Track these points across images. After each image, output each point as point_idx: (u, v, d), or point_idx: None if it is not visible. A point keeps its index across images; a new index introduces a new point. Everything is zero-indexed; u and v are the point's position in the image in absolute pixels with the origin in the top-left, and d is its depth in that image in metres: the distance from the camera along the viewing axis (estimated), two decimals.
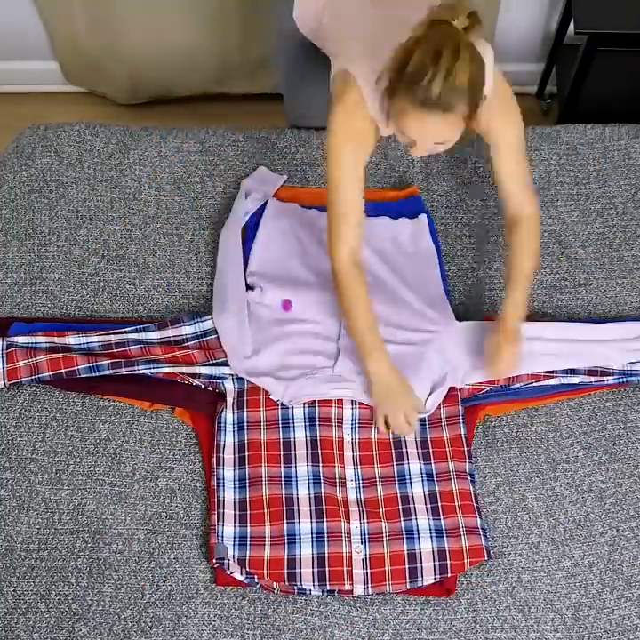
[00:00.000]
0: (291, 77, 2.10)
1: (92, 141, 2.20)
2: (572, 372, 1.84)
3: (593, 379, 1.83)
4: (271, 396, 1.80)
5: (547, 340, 1.86)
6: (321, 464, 1.74)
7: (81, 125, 2.22)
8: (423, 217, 2.08)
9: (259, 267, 2.00)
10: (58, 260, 2.04)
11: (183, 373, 1.83)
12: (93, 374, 1.82)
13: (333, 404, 1.79)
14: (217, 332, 1.87)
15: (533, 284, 2.01)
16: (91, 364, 1.82)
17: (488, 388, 1.83)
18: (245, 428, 1.78)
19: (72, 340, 1.86)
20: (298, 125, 2.28)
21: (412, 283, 1.98)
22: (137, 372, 1.82)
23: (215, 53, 2.80)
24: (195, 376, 1.83)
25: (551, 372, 1.84)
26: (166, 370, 1.82)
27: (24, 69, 3.03)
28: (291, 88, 2.15)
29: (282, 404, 1.80)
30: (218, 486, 1.72)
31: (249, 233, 2.05)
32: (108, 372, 1.82)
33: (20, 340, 1.85)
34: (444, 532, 1.68)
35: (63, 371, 1.81)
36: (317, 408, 1.79)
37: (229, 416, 1.80)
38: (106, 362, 1.82)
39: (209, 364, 1.84)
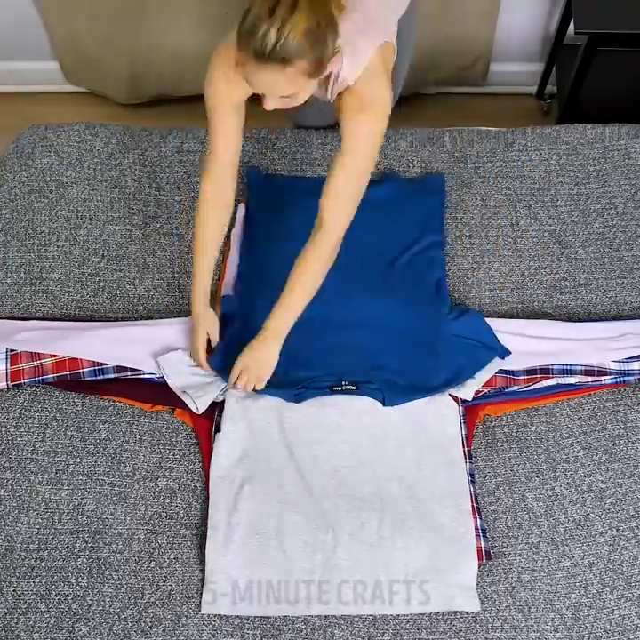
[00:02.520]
0: None
1: (92, 141, 2.20)
2: (569, 372, 1.84)
3: (590, 379, 1.83)
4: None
5: (529, 338, 1.86)
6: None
7: (81, 125, 2.22)
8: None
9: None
10: (58, 260, 2.04)
11: None
12: (98, 377, 1.82)
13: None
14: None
15: (533, 283, 2.02)
16: (96, 368, 1.82)
17: (485, 391, 1.83)
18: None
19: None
20: (302, 125, 2.28)
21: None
22: (141, 375, 1.82)
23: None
24: None
25: (548, 372, 1.84)
26: None
27: (24, 69, 3.03)
28: None
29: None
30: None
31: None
32: (112, 376, 1.82)
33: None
34: None
35: (68, 373, 1.81)
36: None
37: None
38: (111, 365, 1.82)
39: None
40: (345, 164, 1.62)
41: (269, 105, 1.52)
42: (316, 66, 1.44)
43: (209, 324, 1.82)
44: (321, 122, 2.26)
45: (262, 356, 1.74)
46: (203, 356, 1.80)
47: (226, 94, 1.64)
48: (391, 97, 1.62)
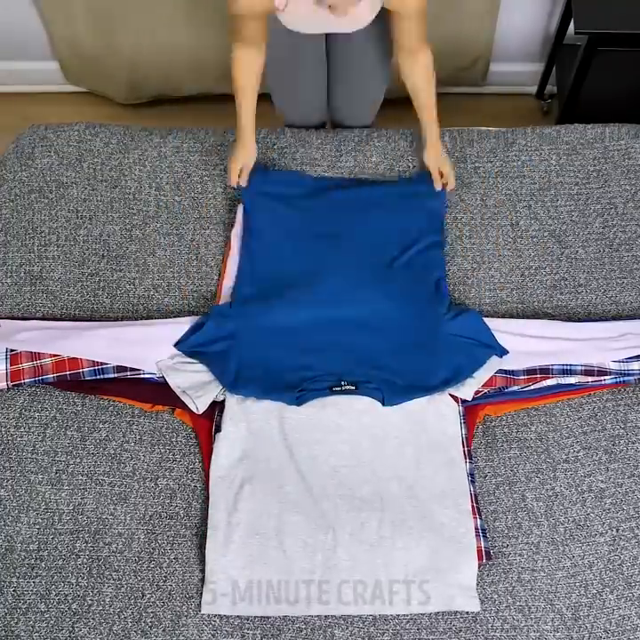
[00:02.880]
0: (277, 75, 2.11)
1: (92, 141, 2.20)
2: (569, 372, 1.84)
3: (590, 379, 1.83)
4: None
5: (528, 337, 1.86)
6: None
7: (81, 125, 2.22)
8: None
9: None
10: (58, 260, 2.04)
11: None
12: (98, 377, 1.82)
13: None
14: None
15: (533, 283, 2.02)
16: (96, 367, 1.82)
17: (485, 391, 1.83)
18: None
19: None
20: (293, 125, 2.28)
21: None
22: (141, 375, 1.82)
23: (215, 53, 2.80)
24: None
25: (547, 372, 1.84)
26: None
27: (24, 69, 3.02)
28: (277, 86, 2.16)
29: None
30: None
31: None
32: (112, 376, 1.82)
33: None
34: None
35: (68, 373, 1.81)
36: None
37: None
38: (111, 365, 1.82)
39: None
40: (415, 23, 1.81)
41: (341, 8, 1.61)
42: None
43: (249, 155, 2.03)
44: (317, 120, 2.26)
45: (444, 158, 2.04)
46: (234, 177, 2.03)
47: (248, 5, 1.74)
48: None
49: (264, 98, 2.24)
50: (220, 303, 1.94)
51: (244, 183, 2.05)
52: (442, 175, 2.06)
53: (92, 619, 1.60)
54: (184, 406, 1.81)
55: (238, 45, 1.88)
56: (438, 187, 2.06)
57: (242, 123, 2.00)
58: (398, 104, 2.94)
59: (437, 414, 1.78)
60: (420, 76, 1.94)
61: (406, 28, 1.82)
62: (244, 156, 2.03)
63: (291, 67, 2.05)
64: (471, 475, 1.75)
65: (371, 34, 1.95)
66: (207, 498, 1.73)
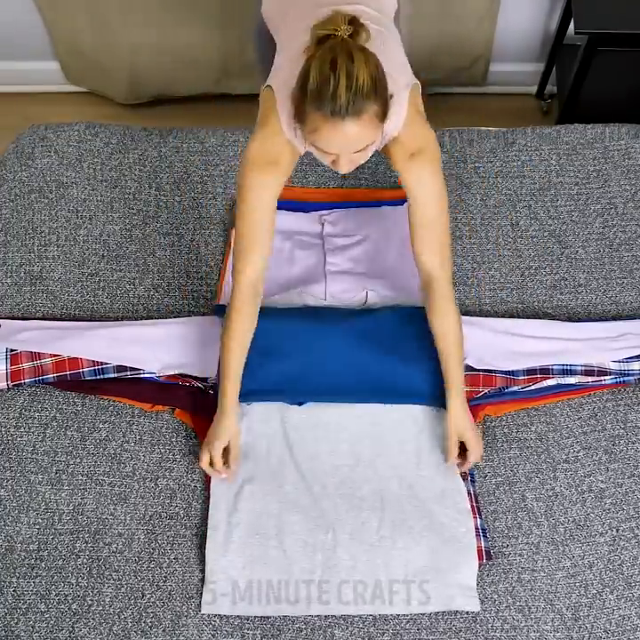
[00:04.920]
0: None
1: (92, 141, 2.20)
2: (569, 372, 1.84)
3: (590, 379, 1.83)
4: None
5: (528, 338, 1.86)
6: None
7: (81, 125, 2.22)
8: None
9: None
10: (58, 260, 2.04)
11: (186, 376, 1.83)
12: (98, 377, 1.82)
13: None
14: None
15: (533, 283, 2.02)
16: (96, 367, 1.82)
17: (486, 391, 1.83)
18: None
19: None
20: None
21: (392, 273, 1.99)
22: (141, 375, 1.82)
23: (215, 53, 2.80)
24: (196, 379, 1.83)
25: (548, 373, 1.84)
26: (170, 372, 1.82)
27: (24, 69, 3.03)
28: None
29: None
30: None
31: None
32: (112, 376, 1.82)
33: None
34: None
35: (68, 373, 1.82)
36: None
37: None
38: (111, 365, 1.82)
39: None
40: (424, 216, 1.65)
41: (344, 166, 1.49)
42: (383, 109, 1.43)
43: (233, 430, 1.70)
44: None
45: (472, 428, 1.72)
46: (210, 460, 1.69)
47: (266, 203, 1.61)
48: (436, 141, 1.63)
49: None
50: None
51: (227, 474, 1.69)
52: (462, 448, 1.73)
53: (92, 619, 1.60)
54: (185, 408, 1.81)
55: (243, 272, 1.64)
56: (450, 462, 1.72)
57: (226, 386, 1.68)
58: None
59: (437, 415, 1.78)
60: (450, 338, 1.70)
61: (420, 235, 1.65)
62: (228, 431, 1.68)
63: None
64: (471, 475, 1.75)
65: None
66: (207, 498, 1.73)
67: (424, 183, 1.63)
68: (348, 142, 1.43)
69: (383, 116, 1.44)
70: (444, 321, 1.70)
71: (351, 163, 1.49)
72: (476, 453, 1.70)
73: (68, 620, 1.60)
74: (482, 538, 1.66)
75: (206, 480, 1.75)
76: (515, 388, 1.83)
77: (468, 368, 1.84)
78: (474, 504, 1.71)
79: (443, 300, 1.70)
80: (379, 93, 1.40)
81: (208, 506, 1.70)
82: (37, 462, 1.77)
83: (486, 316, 1.96)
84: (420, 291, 1.76)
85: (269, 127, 1.58)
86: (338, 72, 1.34)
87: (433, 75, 2.91)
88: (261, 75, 2.21)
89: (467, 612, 1.61)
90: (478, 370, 1.84)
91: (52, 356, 1.83)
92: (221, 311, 1.86)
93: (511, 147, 2.20)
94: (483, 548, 1.65)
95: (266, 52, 2.03)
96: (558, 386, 1.84)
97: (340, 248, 2.05)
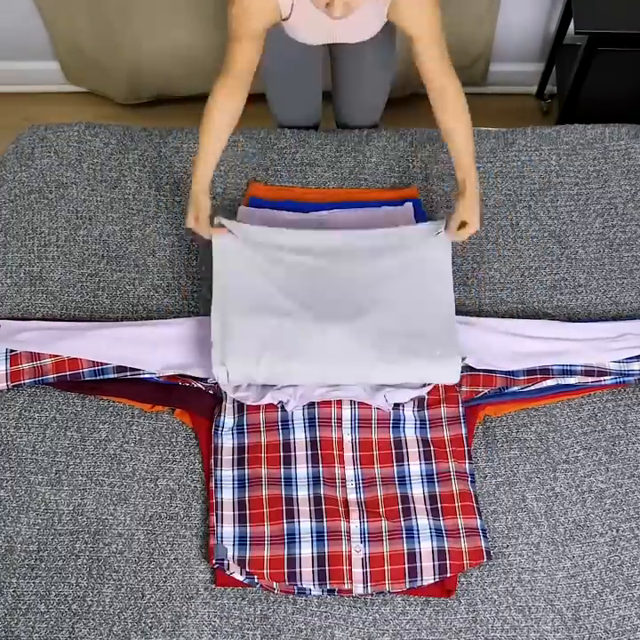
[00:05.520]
0: (273, 75, 2.11)
1: (92, 141, 2.20)
2: (569, 372, 1.84)
3: (590, 379, 1.83)
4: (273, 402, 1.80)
5: (528, 338, 1.87)
6: (321, 465, 1.74)
7: (81, 125, 2.22)
8: (409, 205, 2.09)
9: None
10: (58, 260, 2.04)
11: (185, 376, 1.83)
12: (98, 377, 1.82)
13: (333, 405, 1.79)
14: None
15: (533, 283, 2.02)
16: (96, 368, 1.82)
17: (486, 391, 1.83)
18: (245, 430, 1.78)
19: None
20: (284, 125, 2.28)
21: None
22: (141, 375, 1.82)
23: (215, 53, 2.80)
24: (196, 379, 1.83)
25: (548, 373, 1.84)
26: (170, 372, 1.82)
27: (24, 69, 3.02)
28: (273, 86, 2.15)
29: (281, 407, 1.80)
30: (216, 487, 1.72)
31: None
32: (112, 376, 1.82)
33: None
34: (443, 532, 1.68)
35: (68, 373, 1.82)
36: (317, 409, 1.79)
37: (228, 420, 1.79)
38: (111, 365, 1.82)
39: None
40: (436, 52, 1.74)
41: (338, 6, 1.52)
42: None
43: (202, 209, 1.81)
44: (307, 122, 2.26)
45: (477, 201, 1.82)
46: (190, 224, 1.81)
47: (248, 27, 1.68)
48: None
49: (262, 98, 2.25)
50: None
51: (204, 231, 1.82)
52: (463, 225, 1.85)
53: (92, 619, 1.60)
54: (185, 408, 1.81)
55: (224, 83, 1.75)
56: (449, 238, 1.88)
57: (200, 168, 1.79)
58: (398, 104, 2.94)
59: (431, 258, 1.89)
60: (449, 113, 1.79)
61: (421, 52, 1.74)
62: (196, 210, 1.80)
63: (289, 67, 2.05)
64: (471, 475, 1.75)
65: (375, 36, 1.93)
66: (207, 498, 1.73)
67: (427, 24, 1.71)
68: None
69: None
70: (451, 117, 1.79)
71: (346, 5, 1.53)
72: (472, 228, 1.82)
73: (68, 620, 1.60)
74: (482, 538, 1.67)
75: (206, 480, 1.75)
76: (515, 389, 1.83)
77: (468, 368, 1.85)
78: (474, 505, 1.71)
79: (451, 102, 1.79)
80: None
81: (208, 506, 1.70)
82: (37, 463, 1.77)
83: (486, 316, 1.96)
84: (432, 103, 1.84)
85: None
86: None
87: None
88: (274, 109, 2.27)
89: (467, 613, 1.61)
90: (478, 370, 1.84)
91: (51, 356, 1.83)
92: None
93: (511, 147, 2.20)
94: (483, 548, 1.65)
95: (277, 67, 2.06)
96: (558, 386, 1.84)
97: None
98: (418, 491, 1.73)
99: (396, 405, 1.81)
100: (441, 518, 1.70)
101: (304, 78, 2.09)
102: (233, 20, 1.70)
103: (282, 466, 1.74)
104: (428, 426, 1.80)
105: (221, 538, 1.66)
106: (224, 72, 1.77)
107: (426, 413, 1.81)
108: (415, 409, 1.81)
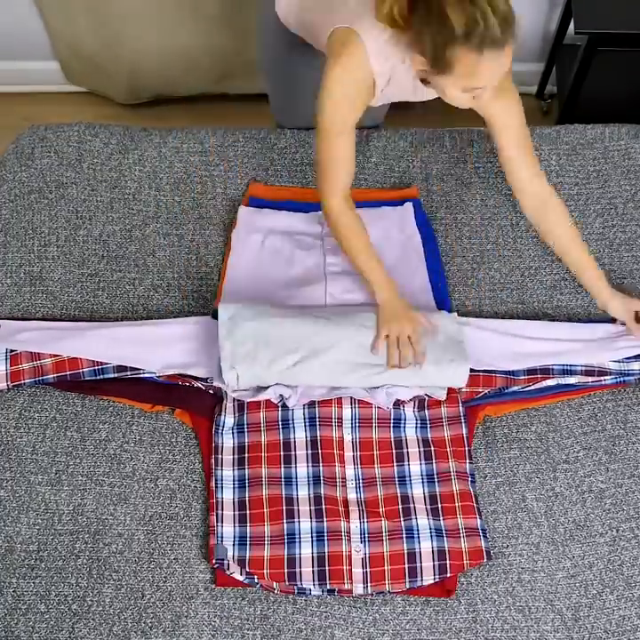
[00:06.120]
0: (275, 76, 2.11)
1: (92, 142, 2.20)
2: (569, 372, 1.84)
3: (590, 379, 1.83)
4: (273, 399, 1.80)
5: (528, 339, 1.87)
6: (321, 464, 1.74)
7: (81, 126, 2.22)
8: (409, 205, 2.09)
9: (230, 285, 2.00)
10: (58, 260, 2.04)
11: (185, 376, 1.83)
12: (98, 377, 1.82)
13: (333, 404, 1.79)
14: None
15: (533, 283, 2.02)
16: (96, 367, 1.82)
17: (486, 391, 1.83)
18: (245, 430, 1.78)
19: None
20: (285, 125, 2.28)
21: (393, 273, 1.99)
22: (141, 375, 1.82)
23: (215, 53, 2.80)
24: (196, 379, 1.83)
25: (548, 373, 1.84)
26: (170, 372, 1.82)
27: (24, 69, 3.03)
28: (276, 87, 2.15)
29: (282, 406, 1.80)
30: (216, 487, 1.72)
31: None
32: (112, 376, 1.82)
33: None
34: (443, 532, 1.68)
35: (68, 373, 1.82)
36: (317, 408, 1.79)
37: (229, 419, 1.79)
38: (111, 365, 1.82)
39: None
40: (524, 146, 1.78)
41: (489, 95, 1.52)
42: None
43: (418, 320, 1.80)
44: (305, 122, 2.26)
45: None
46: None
47: (347, 119, 1.65)
48: None
49: (262, 98, 2.25)
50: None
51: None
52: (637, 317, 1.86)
53: (92, 619, 1.60)
54: (185, 408, 1.81)
55: (332, 195, 1.72)
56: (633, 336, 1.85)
57: (383, 284, 1.79)
58: (398, 104, 2.94)
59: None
60: (562, 230, 1.82)
61: (513, 139, 1.72)
62: (415, 321, 1.76)
63: (290, 67, 2.05)
64: (471, 475, 1.75)
65: None
66: (207, 498, 1.73)
67: (513, 113, 1.71)
68: (502, 70, 1.44)
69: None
70: (562, 231, 1.82)
71: (493, 91, 1.53)
72: None
73: (68, 620, 1.60)
74: (482, 538, 1.67)
75: (207, 480, 1.75)
76: (515, 389, 1.83)
77: (471, 368, 1.85)
78: (474, 505, 1.70)
79: (555, 214, 1.82)
80: (514, 17, 1.40)
81: (208, 506, 1.71)
82: (37, 463, 1.77)
83: (486, 317, 1.96)
84: (528, 215, 1.88)
85: (353, 58, 1.57)
86: (479, 4, 1.34)
87: None
88: (275, 110, 2.27)
89: (467, 613, 1.61)
90: (478, 370, 1.84)
91: (51, 356, 1.83)
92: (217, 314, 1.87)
93: None
94: (483, 548, 1.65)
95: (279, 68, 2.05)
96: (558, 386, 1.84)
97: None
98: (418, 491, 1.73)
99: (397, 405, 1.81)
100: (441, 518, 1.69)
101: (305, 80, 2.09)
102: (333, 112, 1.62)
103: (282, 465, 1.74)
104: (428, 425, 1.80)
105: (221, 538, 1.66)
106: (334, 190, 1.73)
107: (426, 413, 1.81)
108: (416, 409, 1.81)
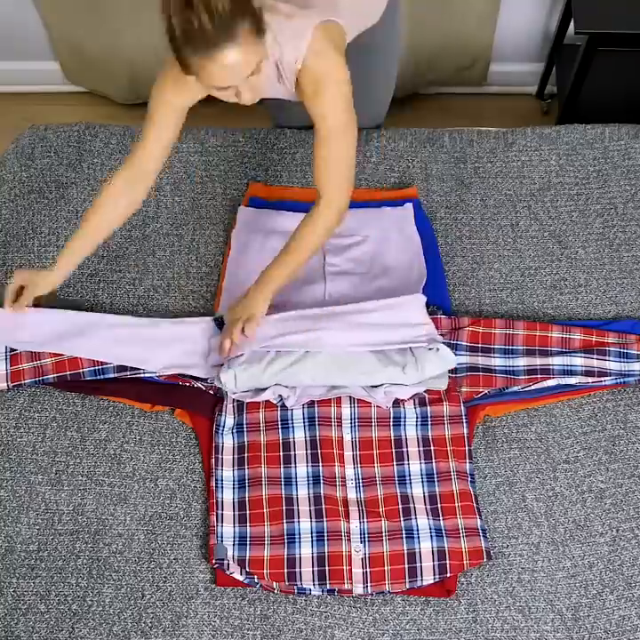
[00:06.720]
0: None
1: (92, 141, 2.20)
2: (569, 372, 1.84)
3: (590, 379, 1.83)
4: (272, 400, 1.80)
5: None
6: (321, 464, 1.74)
7: (81, 125, 2.22)
8: (409, 205, 2.09)
9: (229, 283, 2.00)
10: None
11: (185, 376, 1.83)
12: (98, 377, 1.82)
13: (332, 404, 1.79)
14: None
15: (533, 283, 2.02)
16: (96, 367, 1.82)
17: (486, 391, 1.83)
18: (245, 430, 1.78)
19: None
20: (281, 125, 2.28)
21: (393, 274, 1.99)
22: (141, 375, 1.82)
23: None
24: (197, 379, 1.83)
25: (548, 373, 1.84)
26: (170, 372, 1.82)
27: (24, 69, 3.03)
28: None
29: (281, 406, 1.80)
30: (216, 487, 1.72)
31: None
32: (112, 376, 1.82)
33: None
34: (443, 532, 1.68)
35: (68, 373, 1.82)
36: (316, 408, 1.79)
37: (229, 419, 1.79)
38: (111, 365, 1.82)
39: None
40: (320, 149, 1.65)
41: (247, 95, 1.50)
42: (256, 21, 1.40)
43: (47, 280, 1.80)
44: (302, 122, 2.26)
45: (249, 302, 1.73)
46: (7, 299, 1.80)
47: (167, 99, 1.68)
48: (345, 69, 1.61)
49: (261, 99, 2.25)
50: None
51: (20, 308, 1.80)
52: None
53: (92, 619, 1.60)
54: (185, 408, 1.81)
55: (127, 168, 1.75)
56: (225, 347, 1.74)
57: (65, 249, 1.79)
58: (398, 104, 2.94)
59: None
60: (304, 233, 1.74)
61: (315, 152, 1.66)
62: (41, 278, 1.79)
63: None
64: (471, 475, 1.75)
65: (377, 34, 1.91)
66: (207, 498, 1.73)
67: (327, 117, 1.62)
68: (237, 69, 1.42)
69: (258, 29, 1.42)
70: (302, 224, 1.75)
71: (252, 90, 1.50)
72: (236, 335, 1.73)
73: (68, 620, 1.60)
74: (482, 538, 1.67)
75: (207, 480, 1.75)
76: (515, 389, 1.83)
77: (468, 368, 1.85)
78: (474, 505, 1.70)
79: (313, 215, 1.73)
80: (243, 8, 1.37)
81: (208, 506, 1.71)
82: (37, 463, 1.77)
83: (486, 317, 1.96)
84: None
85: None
86: (195, 7, 1.32)
87: (433, 75, 2.91)
88: (272, 110, 2.27)
89: (467, 613, 1.61)
90: (479, 370, 1.84)
91: (51, 356, 1.83)
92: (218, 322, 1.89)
93: (511, 147, 2.20)
94: (483, 548, 1.65)
95: None
96: (558, 386, 1.84)
97: (340, 248, 2.05)
98: (418, 490, 1.73)
99: (397, 403, 1.81)
100: (441, 518, 1.69)
101: None
102: (154, 93, 1.68)
103: (282, 465, 1.74)
104: (429, 423, 1.80)
105: (221, 537, 1.66)
106: (126, 162, 1.77)
107: (428, 410, 1.81)
108: (416, 406, 1.81)
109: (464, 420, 1.79)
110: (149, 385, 1.84)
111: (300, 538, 1.66)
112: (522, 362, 1.86)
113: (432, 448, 1.77)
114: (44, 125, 2.23)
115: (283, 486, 1.72)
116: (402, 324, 1.82)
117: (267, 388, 1.79)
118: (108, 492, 1.74)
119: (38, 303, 1.85)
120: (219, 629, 1.59)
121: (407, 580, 1.63)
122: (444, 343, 1.84)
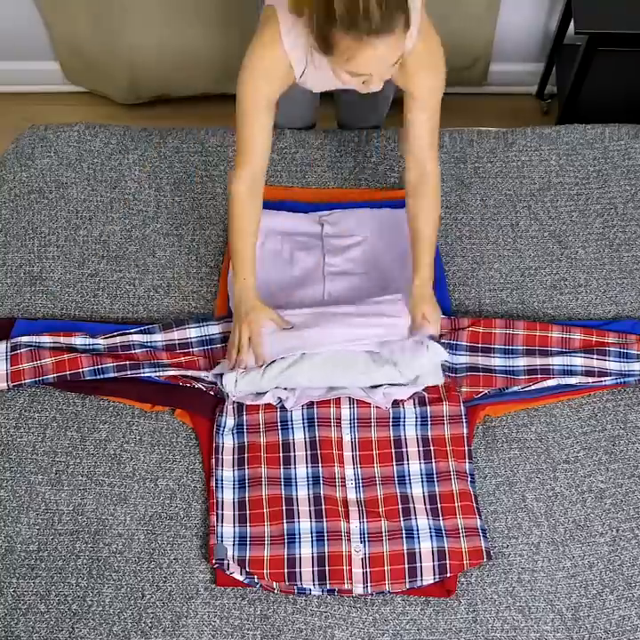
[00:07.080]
0: None
1: (92, 142, 2.20)
2: (570, 372, 1.84)
3: (591, 379, 1.83)
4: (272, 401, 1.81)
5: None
6: (320, 464, 1.74)
7: (81, 126, 2.22)
8: None
9: None
10: (58, 260, 2.04)
11: (186, 377, 1.83)
12: (98, 377, 1.82)
13: (331, 405, 1.79)
14: (223, 341, 1.87)
15: (533, 283, 2.02)
16: (96, 367, 1.82)
17: (486, 391, 1.83)
18: (245, 430, 1.78)
19: (78, 340, 1.86)
20: (281, 126, 2.28)
21: (392, 274, 1.99)
22: (141, 375, 1.82)
23: (215, 53, 2.80)
24: (197, 379, 1.83)
25: (548, 373, 1.84)
26: (170, 373, 1.82)
27: (24, 69, 3.03)
28: None
29: (281, 407, 1.80)
30: (217, 487, 1.72)
31: None
32: (112, 375, 1.82)
33: (24, 339, 1.85)
34: (443, 532, 1.68)
35: (68, 373, 1.82)
36: (316, 409, 1.79)
37: (229, 420, 1.79)
38: (111, 364, 1.82)
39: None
40: (428, 117, 1.75)
41: (377, 83, 1.51)
42: (407, 16, 1.42)
43: (263, 316, 1.76)
44: (302, 123, 2.26)
45: (425, 292, 1.80)
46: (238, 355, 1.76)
47: (264, 93, 1.66)
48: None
49: None
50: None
51: (253, 362, 1.77)
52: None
53: (92, 619, 1.60)
54: (185, 408, 1.81)
55: (241, 173, 1.73)
56: (425, 331, 1.78)
57: (245, 274, 1.76)
58: (398, 104, 2.94)
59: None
60: (425, 212, 1.78)
61: (416, 119, 1.73)
62: (258, 319, 1.75)
63: None
64: (471, 475, 1.75)
65: None
66: (207, 498, 1.73)
67: (433, 94, 1.74)
68: (385, 60, 1.44)
69: (408, 24, 1.44)
70: (421, 202, 1.79)
71: (382, 79, 1.52)
72: (435, 327, 1.78)
73: (68, 620, 1.60)
74: (482, 538, 1.67)
75: (207, 480, 1.75)
76: (515, 389, 1.83)
77: (467, 368, 1.85)
78: (474, 505, 1.70)
79: (426, 186, 1.78)
80: (404, 5, 1.40)
81: (208, 506, 1.71)
82: (37, 463, 1.77)
83: (486, 317, 1.96)
84: (405, 180, 1.83)
85: (267, 38, 1.61)
86: None
87: None
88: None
89: (467, 613, 1.61)
90: (479, 370, 1.84)
91: (52, 355, 1.83)
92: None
93: (511, 147, 2.20)
94: (483, 548, 1.65)
95: None
96: (559, 386, 1.84)
97: (340, 249, 2.05)
98: (417, 490, 1.73)
99: (396, 403, 1.81)
100: (441, 518, 1.69)
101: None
102: (244, 95, 1.67)
103: (281, 466, 1.74)
104: (429, 422, 1.80)
105: (221, 537, 1.66)
106: (244, 173, 1.74)
107: (428, 409, 1.81)
108: (416, 405, 1.81)
109: (464, 420, 1.79)
110: (150, 385, 1.84)
111: (299, 538, 1.66)
112: (522, 362, 1.86)
113: (432, 448, 1.77)
114: (43, 125, 2.23)
115: (283, 486, 1.72)
116: (379, 318, 1.83)
117: (266, 392, 1.79)
118: (108, 492, 1.74)
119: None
120: (219, 629, 1.59)
121: (407, 580, 1.63)
122: (442, 343, 1.85)
